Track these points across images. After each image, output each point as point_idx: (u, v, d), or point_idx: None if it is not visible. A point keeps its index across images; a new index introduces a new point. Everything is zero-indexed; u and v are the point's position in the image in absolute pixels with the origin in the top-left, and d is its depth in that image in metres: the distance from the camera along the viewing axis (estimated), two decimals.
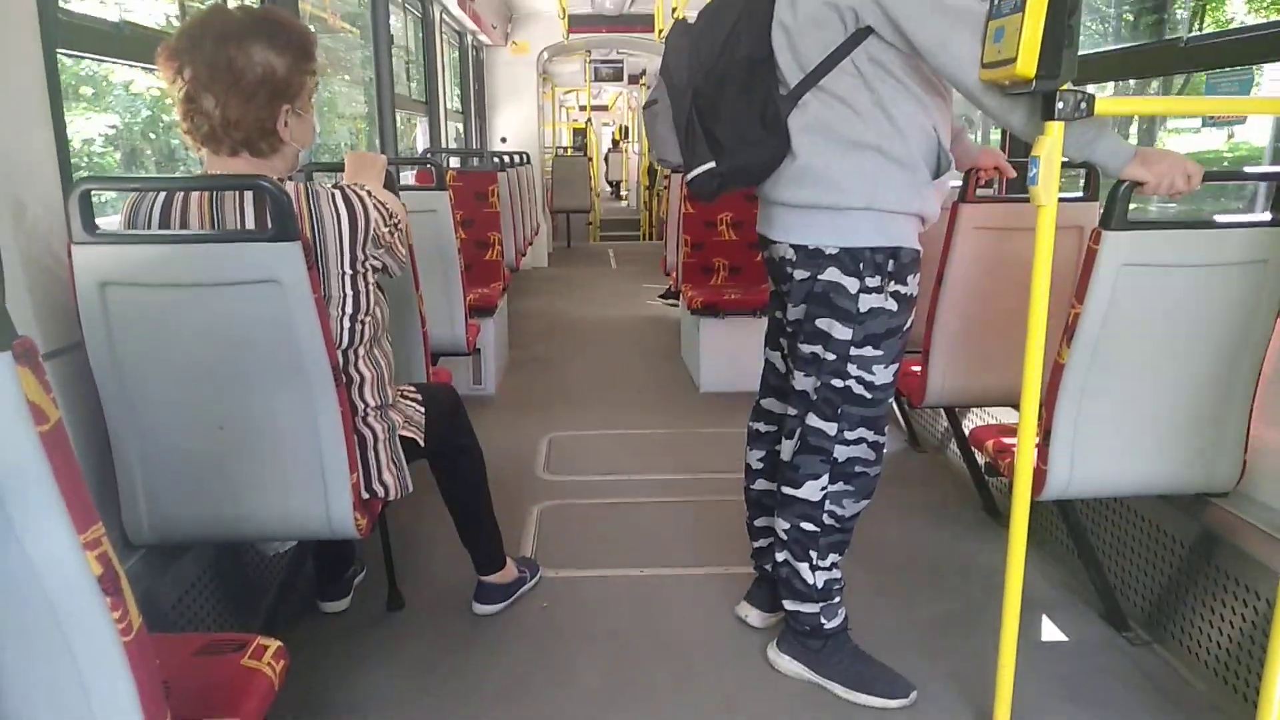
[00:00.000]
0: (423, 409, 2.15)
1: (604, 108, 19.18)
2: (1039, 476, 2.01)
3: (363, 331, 1.93)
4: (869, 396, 1.94)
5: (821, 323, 1.92)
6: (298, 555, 2.08)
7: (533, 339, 5.89)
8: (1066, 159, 1.65)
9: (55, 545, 0.84)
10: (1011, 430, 2.18)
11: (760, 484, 2.26)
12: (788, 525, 2.02)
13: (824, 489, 1.98)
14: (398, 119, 5.28)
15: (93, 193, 1.67)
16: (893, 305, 1.91)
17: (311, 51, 1.84)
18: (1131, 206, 1.82)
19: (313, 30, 1.89)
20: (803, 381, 1.98)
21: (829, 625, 2.05)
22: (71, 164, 1.86)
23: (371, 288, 1.94)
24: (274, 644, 1.38)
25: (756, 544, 2.32)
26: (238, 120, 1.75)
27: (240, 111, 1.75)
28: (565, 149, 14.45)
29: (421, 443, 2.10)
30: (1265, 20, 2.19)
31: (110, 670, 0.90)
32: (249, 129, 1.77)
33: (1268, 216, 1.91)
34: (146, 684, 0.93)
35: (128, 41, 2.15)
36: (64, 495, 0.83)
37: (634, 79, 13.52)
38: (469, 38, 8.09)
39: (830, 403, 1.95)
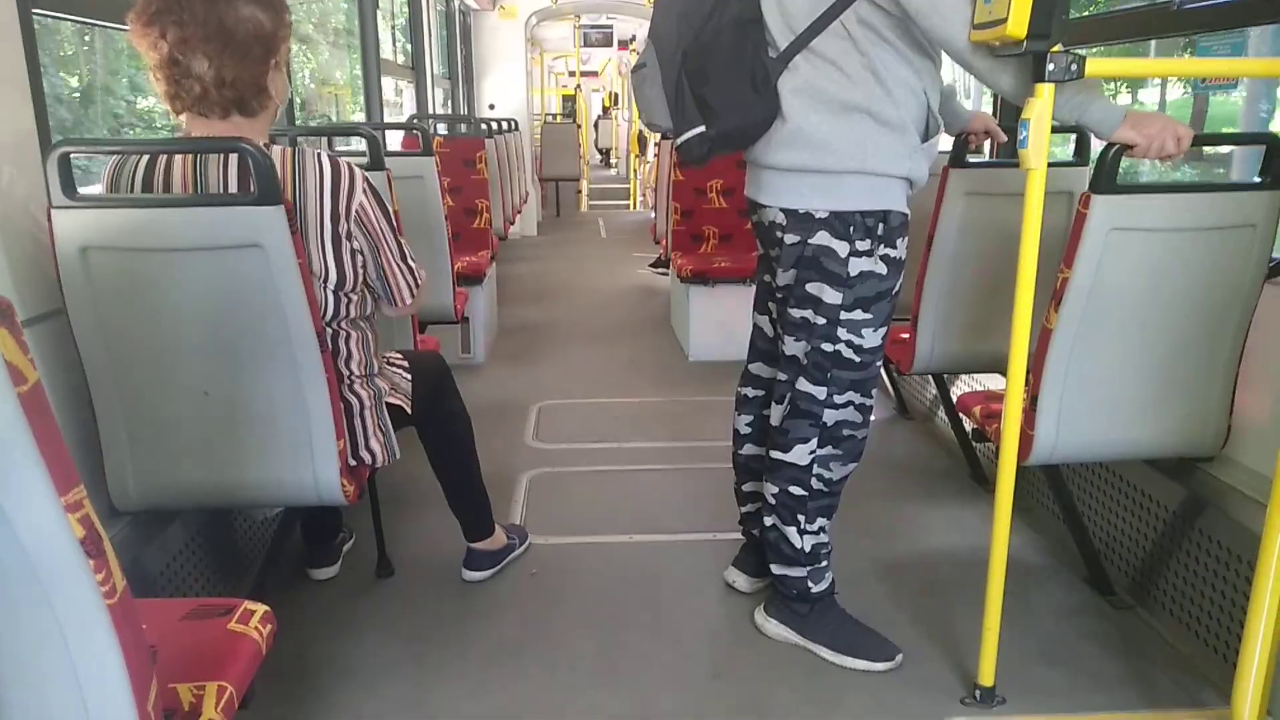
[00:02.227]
0: (409, 376, 2.14)
1: (594, 73, 18.97)
2: (1025, 442, 2.02)
3: (348, 306, 1.92)
4: (858, 360, 1.95)
5: (811, 287, 1.92)
6: (286, 522, 2.08)
7: (522, 307, 5.88)
8: (1057, 122, 1.64)
9: (36, 507, 0.83)
10: (999, 396, 2.18)
11: (748, 449, 2.27)
12: (776, 489, 2.03)
13: (812, 453, 1.99)
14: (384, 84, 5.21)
15: (74, 158, 1.64)
16: (882, 269, 1.91)
17: (286, 4, 1.82)
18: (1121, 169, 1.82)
19: None
20: (793, 346, 1.98)
21: (816, 589, 2.07)
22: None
23: (359, 269, 1.91)
24: (261, 608, 1.38)
25: (744, 509, 2.32)
26: (233, 79, 1.72)
27: (235, 70, 1.71)
28: (554, 116, 14.33)
29: (408, 410, 2.10)
30: None
31: (94, 633, 0.90)
32: (244, 88, 1.74)
33: (1256, 180, 1.90)
34: (131, 647, 0.93)
35: (106, 2, 2.11)
36: (44, 457, 0.82)
37: (624, 44, 13.36)
38: (455, 2, 7.98)
39: (820, 367, 1.95)
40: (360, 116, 5.39)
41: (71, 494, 0.85)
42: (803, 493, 2.01)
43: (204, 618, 1.36)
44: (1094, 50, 2.88)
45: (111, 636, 0.90)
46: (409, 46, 6.46)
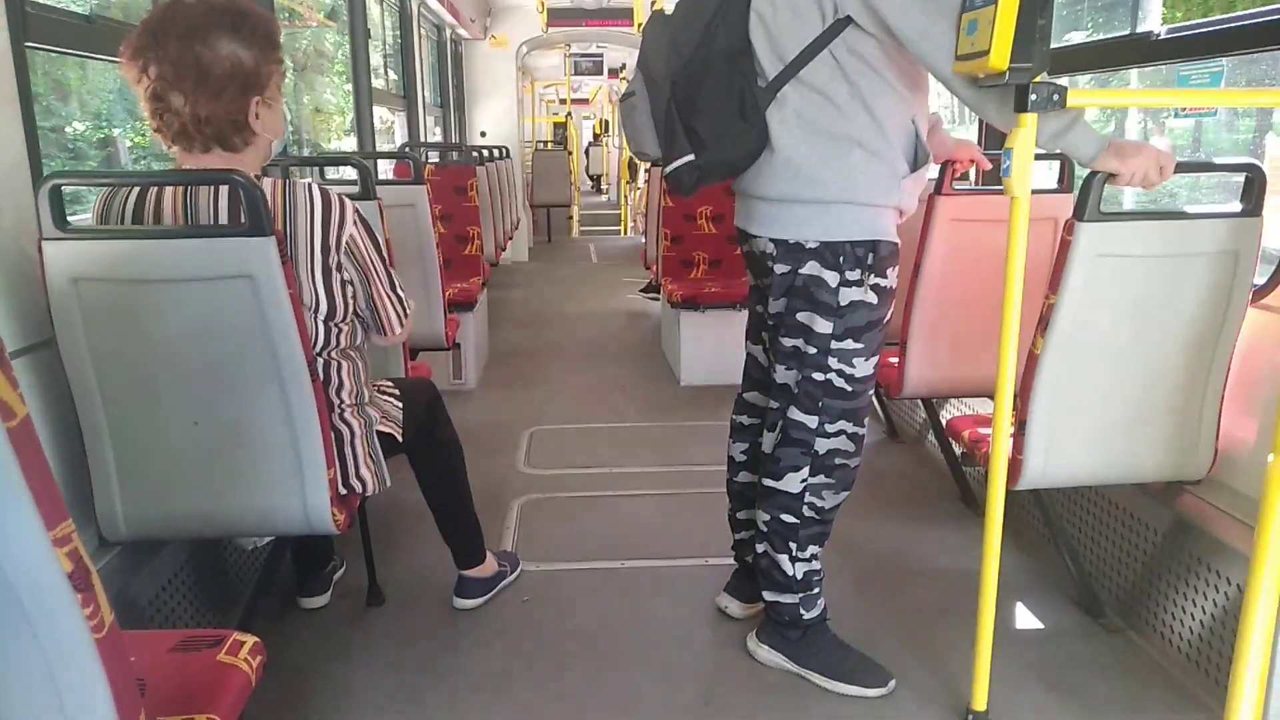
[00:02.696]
0: (400, 404, 2.14)
1: (584, 101, 19.10)
2: (1014, 466, 2.03)
3: (338, 336, 1.92)
4: (849, 389, 1.95)
5: (802, 316, 1.93)
6: (276, 551, 2.07)
7: (513, 333, 5.88)
8: (1041, 150, 1.66)
9: (24, 542, 0.83)
10: (987, 420, 2.20)
11: (743, 476, 2.27)
12: (768, 517, 2.03)
13: (804, 481, 1.99)
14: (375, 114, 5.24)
15: (64, 189, 1.65)
16: (873, 298, 1.92)
17: (277, 40, 1.81)
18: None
19: (273, 15, 1.86)
20: (784, 375, 1.99)
21: (808, 616, 2.06)
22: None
23: (349, 300, 1.91)
24: (250, 639, 1.38)
25: (738, 536, 2.32)
26: (208, 116, 1.72)
27: (210, 108, 1.71)
28: (545, 143, 14.41)
29: (399, 438, 2.10)
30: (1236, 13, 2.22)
31: (82, 668, 0.90)
32: (220, 124, 1.74)
33: (1238, 207, 1.93)
34: (119, 681, 0.92)
35: (99, 35, 2.12)
36: (33, 491, 0.82)
37: (614, 73, 13.48)
38: (447, 31, 8.04)
39: (811, 396, 1.95)
40: (347, 143, 5.41)
41: (59, 528, 0.85)
42: (794, 521, 2.01)
43: (193, 649, 1.35)
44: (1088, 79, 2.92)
45: (99, 670, 0.90)
46: (396, 74, 6.50)
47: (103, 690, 0.91)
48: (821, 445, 1.98)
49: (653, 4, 7.06)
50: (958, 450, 2.90)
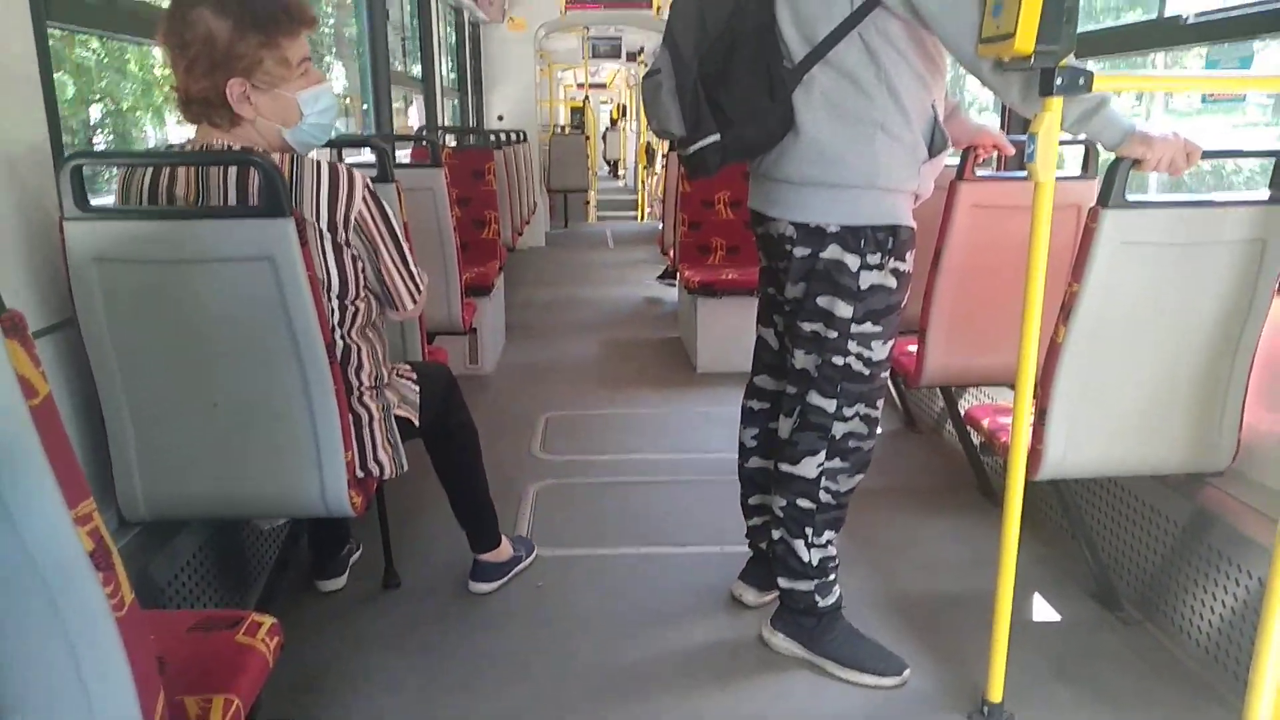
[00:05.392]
0: (417, 388, 2.14)
1: (602, 85, 19.04)
2: (1034, 456, 2.01)
3: (354, 315, 1.92)
4: (867, 373, 1.95)
5: (823, 300, 1.92)
6: (293, 533, 2.08)
7: (530, 318, 5.88)
8: (1065, 134, 1.64)
9: (46, 520, 0.84)
10: (1007, 410, 2.18)
11: (754, 461, 2.26)
12: (785, 502, 2.03)
13: (821, 466, 1.99)
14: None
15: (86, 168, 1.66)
16: (892, 282, 1.91)
17: (266, 23, 1.72)
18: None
19: (297, 3, 1.78)
20: (803, 360, 1.98)
21: (823, 603, 2.06)
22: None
23: (359, 275, 1.91)
24: (268, 620, 1.38)
25: (750, 522, 2.32)
26: (185, 88, 1.73)
27: (185, 80, 1.72)
28: (562, 128, 14.37)
29: (416, 422, 2.10)
30: None
31: (103, 645, 0.90)
32: (194, 99, 1.73)
33: (1266, 194, 1.90)
34: (139, 659, 0.93)
35: (120, 15, 2.13)
36: (55, 470, 0.83)
37: (632, 56, 13.41)
38: (465, 14, 8.02)
39: (830, 380, 1.95)
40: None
41: (81, 506, 0.86)
42: (811, 505, 2.00)
43: (211, 629, 1.36)
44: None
45: (119, 648, 0.91)
46: (416, 58, 6.49)
47: (122, 668, 0.91)
48: (839, 429, 1.97)
49: None
50: (976, 440, 2.88)
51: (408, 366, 2.21)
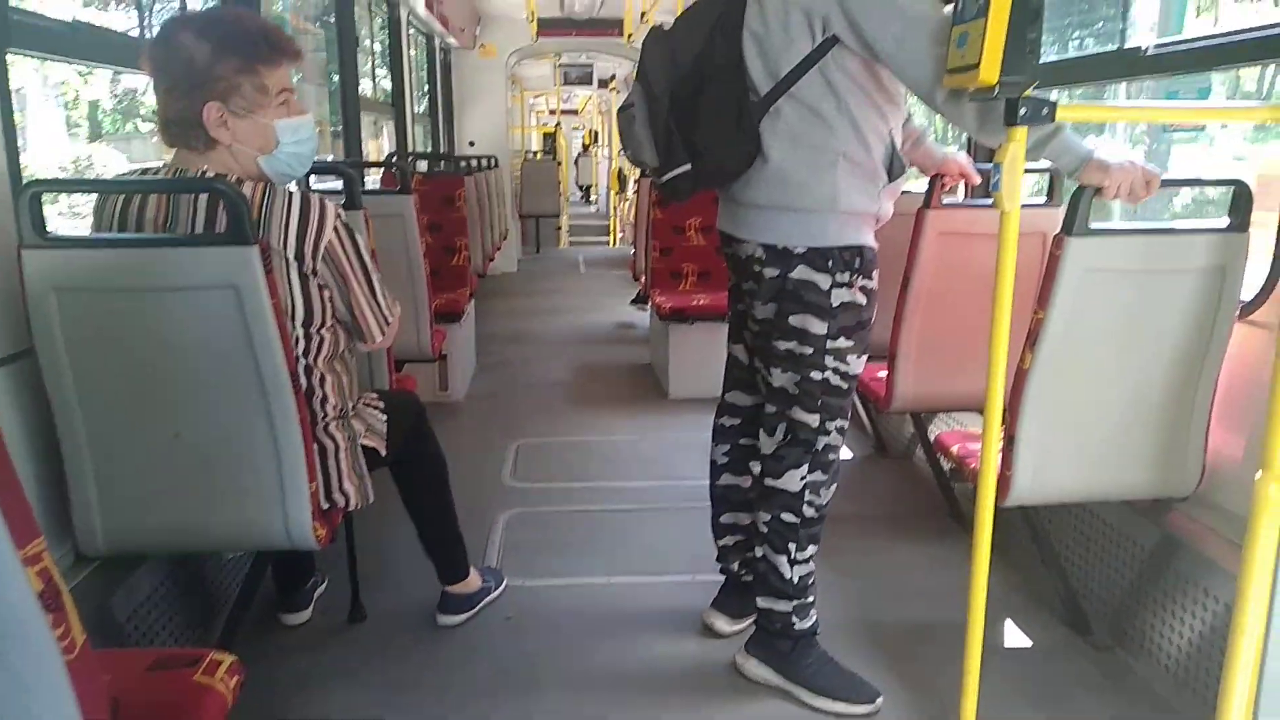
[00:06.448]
0: (385, 417, 2.12)
1: (574, 111, 19.12)
2: (1003, 482, 2.02)
3: (320, 345, 1.90)
4: (845, 386, 2.01)
5: (795, 319, 1.96)
6: (256, 566, 2.04)
7: (501, 345, 5.86)
8: (1028, 162, 1.66)
9: None
10: (976, 436, 2.19)
11: (726, 479, 2.27)
12: (768, 517, 2.05)
13: (804, 479, 2.02)
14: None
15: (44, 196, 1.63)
16: (862, 299, 1.98)
17: (247, 50, 1.74)
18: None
19: (281, 35, 1.81)
20: (780, 378, 2.01)
21: (800, 626, 2.06)
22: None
23: (326, 304, 1.89)
24: (228, 659, 1.35)
25: (721, 542, 2.32)
26: (163, 109, 1.75)
27: (164, 100, 1.74)
28: (534, 153, 14.40)
29: (384, 452, 2.07)
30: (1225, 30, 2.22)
31: (52, 689, 0.87)
32: (172, 120, 1.75)
33: (1225, 222, 1.93)
34: (91, 703, 0.90)
35: (83, 42, 2.10)
36: (3, 509, 0.80)
37: (604, 83, 13.49)
38: (436, 40, 8.03)
39: (811, 395, 2.00)
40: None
41: (30, 546, 0.83)
42: (794, 520, 2.03)
43: (169, 668, 1.33)
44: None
45: (69, 693, 0.88)
46: (387, 83, 6.48)
47: (72, 713, 0.88)
48: (820, 442, 2.03)
49: (643, 15, 7.08)
50: (946, 466, 2.89)
51: (375, 395, 2.19)
